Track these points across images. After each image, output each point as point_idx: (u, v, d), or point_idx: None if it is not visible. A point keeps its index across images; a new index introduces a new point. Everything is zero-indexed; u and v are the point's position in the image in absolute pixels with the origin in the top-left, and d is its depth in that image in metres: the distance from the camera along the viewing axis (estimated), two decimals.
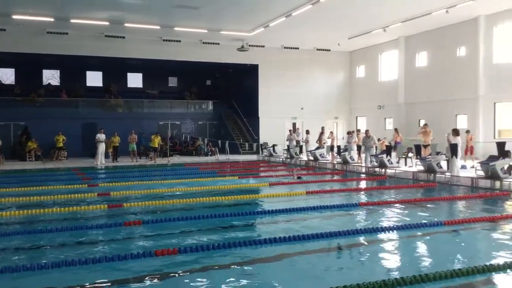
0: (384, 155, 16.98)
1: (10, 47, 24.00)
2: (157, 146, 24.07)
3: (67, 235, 7.82)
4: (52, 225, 8.54)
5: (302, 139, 25.11)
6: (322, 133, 23.15)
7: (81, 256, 6.28)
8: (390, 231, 7.80)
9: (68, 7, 20.40)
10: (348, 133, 21.69)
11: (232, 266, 5.98)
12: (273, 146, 25.30)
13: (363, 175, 17.22)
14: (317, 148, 21.90)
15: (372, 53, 29.96)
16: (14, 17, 21.10)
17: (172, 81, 35.43)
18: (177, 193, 12.57)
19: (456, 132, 14.62)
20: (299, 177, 15.87)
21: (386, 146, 18.19)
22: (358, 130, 21.93)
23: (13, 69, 30.78)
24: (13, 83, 30.54)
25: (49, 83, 31.82)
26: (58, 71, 32.13)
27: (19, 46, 24.14)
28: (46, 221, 9.04)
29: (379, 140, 20.87)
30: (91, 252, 6.68)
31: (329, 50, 30.79)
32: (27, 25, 22.61)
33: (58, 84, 32.00)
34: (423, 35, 25.63)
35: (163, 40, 26.51)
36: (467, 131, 19.94)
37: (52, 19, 21.87)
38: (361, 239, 7.40)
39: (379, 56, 29.61)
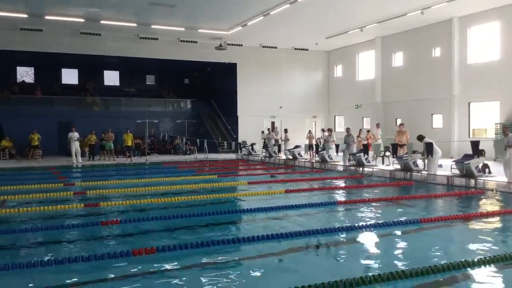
0: (362, 154, 17.17)
1: None
2: (130, 144, 23.76)
3: (42, 235, 7.67)
4: (27, 224, 8.37)
5: (281, 138, 25.18)
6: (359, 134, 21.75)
7: (57, 256, 6.16)
8: (367, 229, 7.86)
9: (42, 3, 20.00)
10: (329, 130, 21.75)
11: (211, 265, 5.94)
12: (252, 145, 25.32)
13: (341, 174, 17.34)
14: (295, 147, 21.96)
15: (350, 53, 30.23)
16: None
17: (150, 79, 35.15)
18: (155, 192, 12.45)
19: (420, 138, 14.77)
20: (272, 176, 15.95)
21: (363, 145, 18.37)
22: (329, 129, 21.84)
23: None
24: None
25: (23, 80, 31.22)
26: (33, 68, 31.52)
27: None
28: (21, 220, 8.84)
29: (358, 137, 21.05)
30: (67, 252, 6.56)
31: (307, 50, 30.97)
32: None
33: (33, 81, 31.40)
34: (399, 36, 25.98)
35: (140, 38, 26.27)
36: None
37: (25, 15, 21.41)
38: (339, 237, 7.45)
39: (357, 56, 29.89)
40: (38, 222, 8.70)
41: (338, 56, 31.42)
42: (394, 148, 16.64)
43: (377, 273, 5.29)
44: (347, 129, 19.70)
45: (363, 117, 29.06)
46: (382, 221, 8.24)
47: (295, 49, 30.59)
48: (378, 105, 27.53)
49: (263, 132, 26.65)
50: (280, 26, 24.29)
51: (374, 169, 16.70)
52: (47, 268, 5.73)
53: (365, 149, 17.52)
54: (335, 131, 29.24)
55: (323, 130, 26.77)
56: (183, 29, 24.80)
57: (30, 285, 5.25)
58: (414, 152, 15.40)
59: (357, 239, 7.40)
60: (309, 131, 26.18)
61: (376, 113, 27.50)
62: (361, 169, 17.00)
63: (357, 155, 17.46)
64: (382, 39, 27.20)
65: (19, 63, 30.70)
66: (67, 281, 5.32)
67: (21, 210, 9.64)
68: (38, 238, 7.49)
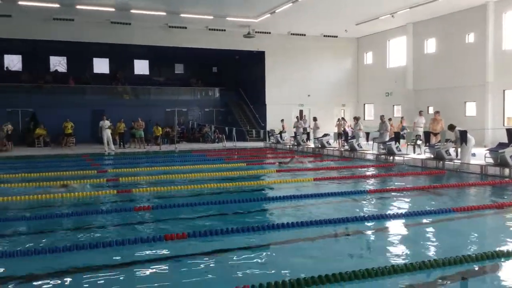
0: (393, 143, 16.92)
1: (17, 34, 24.02)
2: (158, 134, 24.65)
3: (77, 220, 7.88)
4: (62, 210, 8.62)
5: (309, 126, 25.05)
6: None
7: (91, 240, 6.33)
8: (399, 218, 7.79)
9: None
10: (355, 118, 21.50)
11: (241, 251, 6.00)
12: (280, 133, 25.29)
13: (371, 163, 17.15)
14: (324, 136, 21.80)
15: (380, 40, 29.70)
16: (20, 3, 21.05)
17: (179, 68, 35.39)
18: (185, 179, 12.60)
19: (451, 127, 14.44)
20: (280, 163, 15.75)
21: (395, 133, 18.10)
22: (356, 118, 21.59)
23: (20, 56, 30.84)
24: (20, 70, 30.68)
25: (56, 70, 31.89)
26: (65, 57, 32.16)
27: (25, 33, 24.14)
28: (56, 206, 9.11)
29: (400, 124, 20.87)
30: (101, 236, 6.73)
31: (336, 37, 30.56)
32: (33, 11, 22.57)
33: (65, 71, 32.06)
34: (431, 21, 25.35)
35: (169, 27, 26.45)
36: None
37: (57, 5, 21.81)
38: (370, 225, 7.40)
39: (387, 42, 29.35)
40: (73, 207, 8.94)
41: (368, 42, 30.91)
42: (427, 137, 16.32)
43: (409, 262, 5.25)
44: (381, 117, 19.39)
45: (393, 105, 28.59)
46: (413, 210, 8.15)
47: (324, 36, 30.21)
48: (409, 92, 27.01)
49: (282, 120, 26.55)
50: (308, 13, 24.01)
51: (405, 158, 16.46)
52: (81, 252, 5.90)
53: (396, 137, 17.25)
54: (364, 119, 28.95)
55: (343, 119, 26.59)
56: (212, 17, 24.83)
57: (66, 268, 5.39)
58: (447, 140, 15.09)
59: (388, 228, 7.35)
60: (338, 119, 26.00)
61: (407, 101, 27.01)
62: (391, 157, 16.78)
63: (387, 143, 17.22)
64: (414, 25, 26.59)
65: (52, 53, 31.35)
66: (101, 264, 5.46)
67: (57, 196, 9.91)
68: (72, 224, 7.69)
